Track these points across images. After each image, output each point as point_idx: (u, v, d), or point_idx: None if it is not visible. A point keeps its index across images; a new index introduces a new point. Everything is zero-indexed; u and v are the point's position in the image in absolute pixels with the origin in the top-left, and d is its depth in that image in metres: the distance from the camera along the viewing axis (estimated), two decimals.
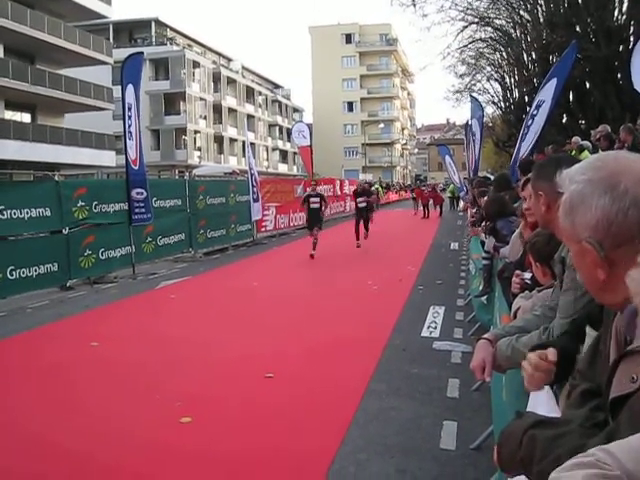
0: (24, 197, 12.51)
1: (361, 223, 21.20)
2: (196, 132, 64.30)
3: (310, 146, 30.44)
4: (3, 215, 11.78)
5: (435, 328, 9.16)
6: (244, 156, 69.97)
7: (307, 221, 19.55)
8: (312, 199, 18.96)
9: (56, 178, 14.19)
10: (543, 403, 2.05)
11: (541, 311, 2.91)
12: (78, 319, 10.66)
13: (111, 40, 53.09)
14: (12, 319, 10.76)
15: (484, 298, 8.25)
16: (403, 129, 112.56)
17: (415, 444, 5.03)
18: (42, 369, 7.52)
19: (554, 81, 11.81)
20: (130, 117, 15.23)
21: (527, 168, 6.66)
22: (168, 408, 5.92)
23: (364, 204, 21.36)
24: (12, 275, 11.89)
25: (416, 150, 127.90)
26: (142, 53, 16.23)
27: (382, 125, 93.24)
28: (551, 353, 1.97)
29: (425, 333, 8.91)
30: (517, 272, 4.24)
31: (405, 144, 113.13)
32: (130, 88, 15.20)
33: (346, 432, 5.24)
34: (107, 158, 43.77)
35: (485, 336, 2.83)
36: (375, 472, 4.51)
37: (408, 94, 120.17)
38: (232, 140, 72.14)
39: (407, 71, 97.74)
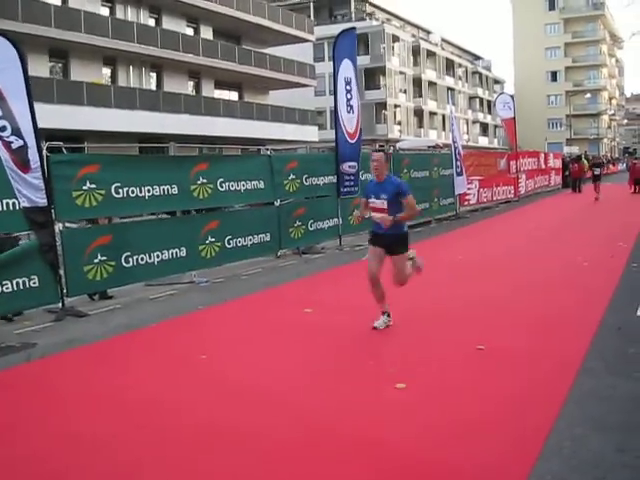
0: (240, 170, 13.07)
1: None
2: (396, 106, 64.59)
3: (514, 118, 29.70)
4: (222, 187, 12.45)
5: None
6: (444, 129, 69.72)
7: None
8: None
9: (268, 153, 14.79)
10: None
11: None
12: (290, 286, 11.18)
13: (312, 18, 54.39)
14: (229, 285, 11.44)
15: None
16: (611, 99, 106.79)
17: (636, 424, 4.85)
18: (265, 330, 8.04)
19: None
20: (350, 91, 15.58)
21: None
22: (383, 374, 6.10)
23: None
24: (229, 244, 12.59)
25: (625, 121, 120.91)
26: (354, 28, 16.60)
27: (588, 95, 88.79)
28: None
29: None
30: None
31: (613, 115, 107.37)
32: (346, 62, 15.50)
33: (561, 408, 5.14)
34: (310, 133, 45.14)
35: None
36: (593, 449, 4.40)
37: (616, 61, 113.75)
38: (432, 114, 71.88)
39: (616, 36, 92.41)
